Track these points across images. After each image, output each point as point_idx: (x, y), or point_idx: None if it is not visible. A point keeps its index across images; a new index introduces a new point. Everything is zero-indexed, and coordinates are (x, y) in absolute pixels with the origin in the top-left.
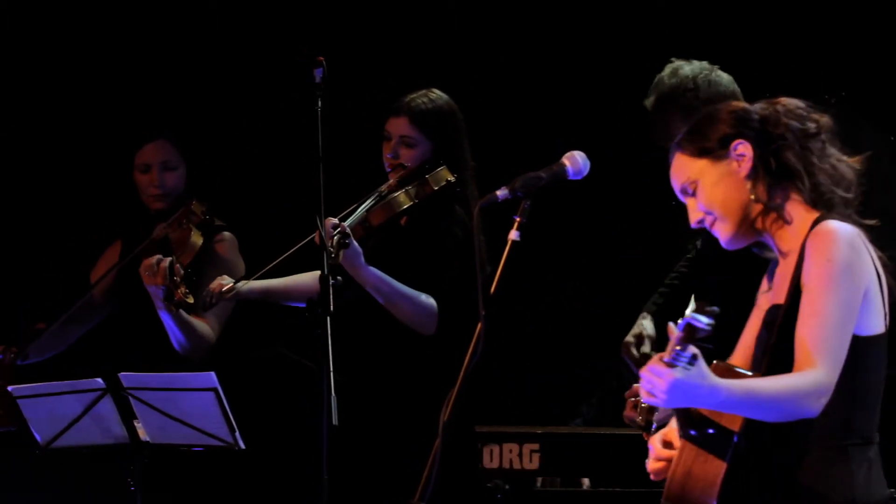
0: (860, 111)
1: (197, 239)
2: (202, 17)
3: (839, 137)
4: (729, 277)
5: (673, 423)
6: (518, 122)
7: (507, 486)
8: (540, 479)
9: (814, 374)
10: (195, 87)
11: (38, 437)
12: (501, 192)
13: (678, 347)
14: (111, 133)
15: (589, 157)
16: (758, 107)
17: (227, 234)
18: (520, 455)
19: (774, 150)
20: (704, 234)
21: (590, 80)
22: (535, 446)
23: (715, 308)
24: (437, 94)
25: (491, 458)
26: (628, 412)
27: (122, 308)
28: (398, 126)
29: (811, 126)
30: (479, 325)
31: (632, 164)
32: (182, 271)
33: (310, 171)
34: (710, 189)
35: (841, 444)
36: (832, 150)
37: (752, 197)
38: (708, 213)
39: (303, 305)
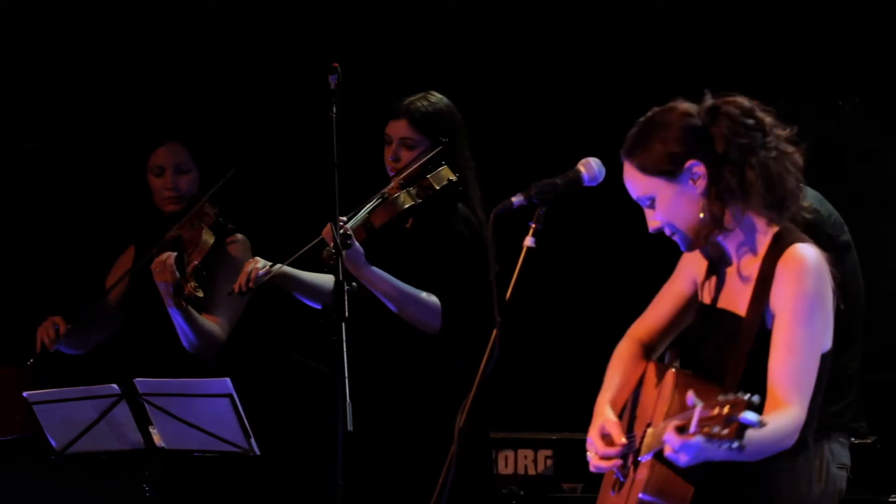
0: (873, 117)
1: (208, 238)
2: (216, 22)
3: (848, 145)
4: None
5: (608, 414)
6: (534, 128)
7: (521, 493)
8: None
9: (793, 413)
10: (209, 91)
11: (53, 443)
12: (517, 199)
13: (724, 434)
14: (125, 137)
15: (604, 163)
16: (704, 115)
17: (239, 235)
18: (534, 461)
19: (726, 168)
20: None
21: (605, 85)
22: (550, 452)
23: (756, 398)
24: (435, 95)
25: (506, 463)
26: None
27: (136, 312)
28: (398, 129)
29: (757, 137)
30: (495, 332)
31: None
32: (192, 266)
33: (324, 175)
34: (667, 206)
35: (790, 450)
36: (781, 150)
37: (706, 215)
38: (666, 224)
39: (318, 306)
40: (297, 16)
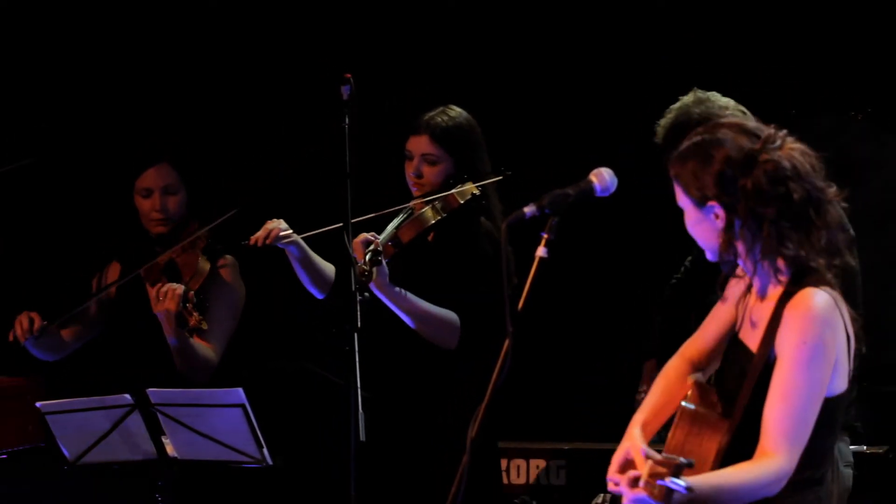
0: (887, 127)
1: (204, 265)
2: (226, 34)
3: (861, 159)
4: None
5: (636, 437)
6: (546, 138)
7: (533, 502)
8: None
9: (777, 463)
10: (220, 104)
11: (66, 453)
12: (529, 210)
13: (655, 494)
14: (114, 157)
15: (616, 173)
16: (742, 162)
17: (229, 257)
18: (546, 471)
19: (743, 222)
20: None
21: (604, 85)
22: (562, 462)
23: (685, 461)
24: (455, 110)
25: (518, 473)
26: None
27: (145, 325)
28: (419, 144)
29: (780, 206)
30: (507, 342)
31: (658, 181)
32: (195, 298)
33: (337, 186)
34: (691, 224)
35: (790, 491)
36: (809, 218)
37: (723, 247)
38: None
39: (317, 294)
40: (309, 27)
